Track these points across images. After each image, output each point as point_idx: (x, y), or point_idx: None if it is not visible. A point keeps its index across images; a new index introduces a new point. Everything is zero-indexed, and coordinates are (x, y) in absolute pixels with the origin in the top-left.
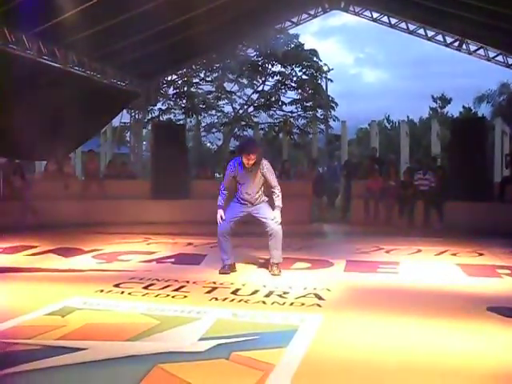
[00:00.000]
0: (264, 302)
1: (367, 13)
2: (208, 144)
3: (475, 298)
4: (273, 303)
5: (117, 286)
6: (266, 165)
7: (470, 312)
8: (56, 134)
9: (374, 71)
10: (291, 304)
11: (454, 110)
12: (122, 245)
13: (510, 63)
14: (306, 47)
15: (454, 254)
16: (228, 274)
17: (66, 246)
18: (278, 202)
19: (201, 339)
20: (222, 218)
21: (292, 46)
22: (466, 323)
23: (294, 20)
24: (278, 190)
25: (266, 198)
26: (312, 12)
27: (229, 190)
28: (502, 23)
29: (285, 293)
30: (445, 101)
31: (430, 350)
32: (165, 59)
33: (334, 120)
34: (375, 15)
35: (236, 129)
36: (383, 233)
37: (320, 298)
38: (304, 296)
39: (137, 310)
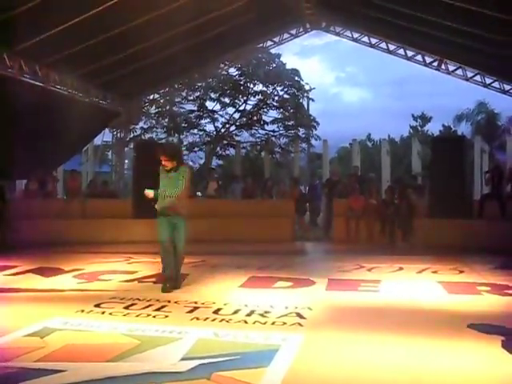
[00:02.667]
0: (246, 322)
1: (348, 33)
2: (190, 163)
3: (456, 315)
4: (254, 322)
5: (97, 305)
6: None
7: (452, 329)
8: (37, 152)
9: (354, 90)
10: (273, 323)
11: (434, 128)
12: (103, 264)
13: (487, 83)
14: (288, 66)
15: (435, 272)
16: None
17: (47, 266)
18: None
19: (182, 359)
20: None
21: (274, 65)
22: (448, 340)
23: (276, 39)
24: None
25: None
26: (293, 32)
27: None
28: (480, 44)
29: (266, 312)
30: (425, 119)
31: (411, 368)
32: (147, 78)
33: (315, 139)
34: (356, 35)
35: (218, 148)
36: (365, 251)
37: (301, 317)
38: (285, 315)
39: (118, 331)
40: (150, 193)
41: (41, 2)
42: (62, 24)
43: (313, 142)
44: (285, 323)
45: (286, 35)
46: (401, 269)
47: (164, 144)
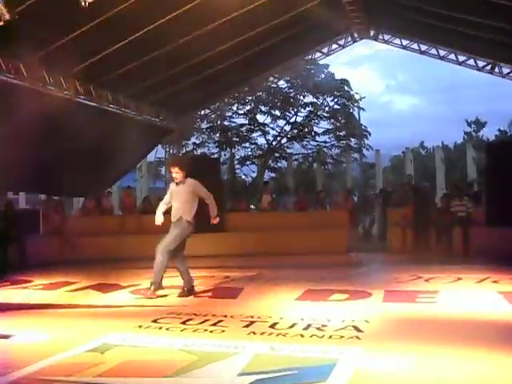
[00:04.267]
0: (302, 336)
1: (397, 40)
2: (243, 176)
3: None
4: (311, 336)
5: (155, 321)
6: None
7: None
8: (93, 170)
9: (406, 98)
10: (330, 337)
11: (489, 133)
12: None
13: None
14: (337, 77)
15: (496, 282)
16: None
17: (105, 282)
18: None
19: (239, 375)
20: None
21: (323, 76)
22: (510, 355)
23: (324, 50)
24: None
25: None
26: (342, 42)
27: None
28: None
29: (323, 325)
30: (479, 125)
31: (471, 381)
32: (198, 94)
33: (367, 149)
34: (405, 42)
35: (270, 160)
36: (421, 261)
37: (359, 330)
38: (342, 328)
39: (175, 346)
40: (159, 219)
41: (92, 26)
42: (113, 45)
43: (365, 151)
44: (342, 336)
45: (334, 46)
46: (459, 279)
47: (174, 157)
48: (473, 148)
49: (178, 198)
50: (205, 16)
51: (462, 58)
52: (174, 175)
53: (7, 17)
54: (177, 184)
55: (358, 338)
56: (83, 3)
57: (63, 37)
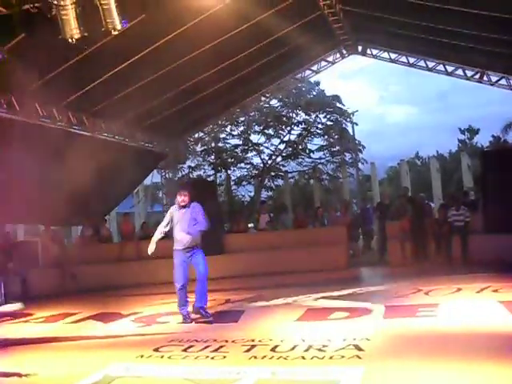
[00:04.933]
0: (303, 358)
1: (385, 54)
2: (240, 196)
3: None
4: (312, 358)
5: (156, 350)
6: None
7: None
8: (90, 198)
9: (399, 108)
10: (331, 357)
11: (483, 140)
12: (161, 306)
13: None
14: (329, 91)
15: (496, 291)
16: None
17: (106, 311)
18: None
19: None
20: None
21: (314, 93)
22: None
23: (314, 68)
24: None
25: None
26: (330, 59)
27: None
28: None
29: (324, 346)
30: (473, 132)
31: None
32: (190, 117)
33: (362, 163)
34: (393, 56)
35: (266, 179)
36: (421, 273)
37: (360, 349)
38: (343, 348)
39: (177, 375)
40: (152, 248)
41: (82, 58)
42: (103, 75)
43: (360, 165)
44: (343, 356)
45: (323, 63)
46: (459, 289)
47: (184, 182)
48: (468, 156)
49: (183, 222)
50: (193, 41)
51: (450, 69)
52: (182, 198)
53: None
54: (180, 207)
55: (359, 357)
56: (70, 40)
57: (53, 70)
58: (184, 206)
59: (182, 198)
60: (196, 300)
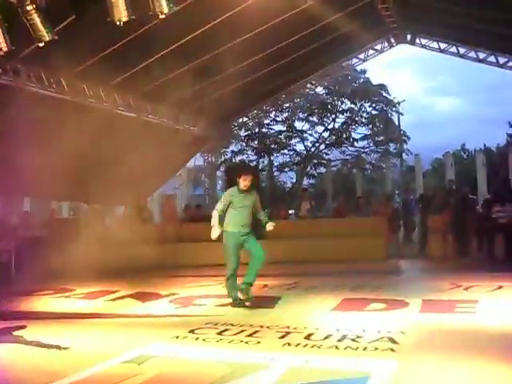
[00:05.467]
0: (337, 347)
1: (434, 44)
2: (282, 183)
3: None
4: (346, 348)
5: (192, 331)
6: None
7: None
8: (134, 179)
9: (446, 99)
10: (364, 349)
11: None
12: (198, 288)
13: None
14: (376, 79)
15: None
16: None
17: (144, 291)
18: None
19: None
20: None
21: (360, 81)
22: None
23: (361, 56)
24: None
25: None
26: (378, 47)
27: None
28: None
29: (358, 337)
30: None
31: None
32: (236, 102)
33: (406, 154)
34: (442, 46)
35: (309, 167)
36: (462, 268)
37: (394, 341)
38: (378, 340)
39: (211, 358)
40: (217, 232)
41: (129, 40)
42: (151, 57)
43: (404, 156)
44: (377, 348)
45: (370, 51)
46: (500, 287)
47: (245, 165)
48: None
49: (244, 208)
50: (239, 26)
51: (502, 60)
52: (246, 183)
53: (47, 38)
54: (242, 192)
55: (392, 350)
56: (118, 23)
57: (101, 51)
58: (245, 191)
59: (245, 183)
60: (248, 275)
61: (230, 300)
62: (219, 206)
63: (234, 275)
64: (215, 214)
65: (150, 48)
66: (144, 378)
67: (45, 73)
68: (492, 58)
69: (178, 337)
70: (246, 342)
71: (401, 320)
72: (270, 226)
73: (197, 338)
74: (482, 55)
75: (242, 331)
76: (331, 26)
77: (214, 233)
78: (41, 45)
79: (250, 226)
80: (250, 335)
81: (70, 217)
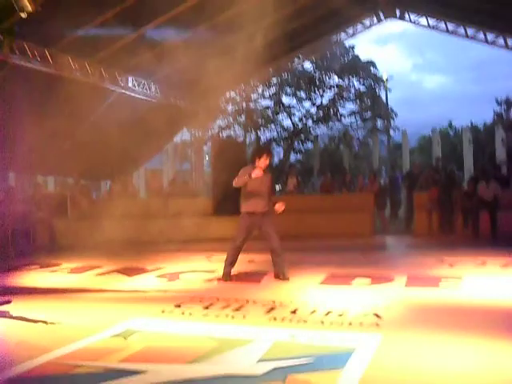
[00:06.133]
0: (322, 322)
1: (423, 20)
2: None
3: None
4: (331, 323)
5: (178, 306)
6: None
7: None
8: (120, 154)
9: (434, 76)
10: (349, 324)
11: None
12: (185, 263)
13: None
14: (364, 56)
15: None
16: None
17: (131, 266)
18: None
19: (259, 361)
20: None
21: (349, 57)
22: None
23: (350, 31)
24: None
25: None
26: (367, 23)
27: None
28: None
29: (344, 311)
30: (510, 104)
31: (494, 374)
32: (222, 76)
33: (394, 130)
34: (432, 22)
35: (296, 143)
36: (447, 244)
37: (379, 316)
38: (363, 315)
39: (197, 332)
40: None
41: (115, 13)
42: (137, 31)
43: (392, 132)
44: (362, 323)
45: (359, 26)
46: (484, 263)
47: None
48: (502, 129)
49: (263, 188)
50: (227, 2)
51: (491, 37)
52: (264, 163)
53: (30, 9)
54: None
55: (377, 325)
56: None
57: (86, 24)
58: (263, 171)
59: (267, 162)
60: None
61: (214, 274)
62: (241, 177)
63: (236, 250)
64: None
65: (136, 22)
66: (130, 352)
67: (28, 45)
68: (481, 35)
69: (164, 311)
70: (232, 317)
71: (386, 295)
72: (281, 207)
73: (183, 313)
74: (470, 32)
75: (228, 306)
76: (320, 1)
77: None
78: (23, 16)
79: (269, 207)
80: (236, 310)
81: (55, 192)
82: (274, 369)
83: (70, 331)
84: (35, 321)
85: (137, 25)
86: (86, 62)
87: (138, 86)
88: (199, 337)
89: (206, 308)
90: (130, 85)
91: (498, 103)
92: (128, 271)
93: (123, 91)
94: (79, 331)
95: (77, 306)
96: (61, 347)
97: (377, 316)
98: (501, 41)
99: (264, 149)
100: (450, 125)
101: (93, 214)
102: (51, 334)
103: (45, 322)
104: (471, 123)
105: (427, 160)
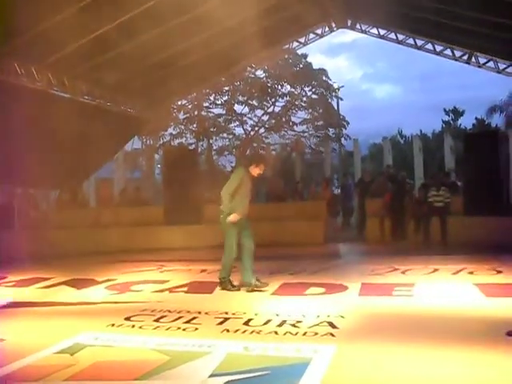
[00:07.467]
0: (276, 333)
1: (374, 30)
2: (221, 167)
3: (494, 321)
4: (285, 333)
5: (128, 319)
6: None
7: (490, 338)
8: (69, 162)
9: (384, 86)
10: (304, 334)
11: (466, 122)
12: (136, 274)
13: None
14: (315, 65)
15: (471, 273)
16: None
17: (80, 277)
18: None
19: (211, 376)
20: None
21: (301, 66)
22: (486, 350)
23: (302, 40)
24: None
25: None
26: (319, 32)
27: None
28: (510, 34)
29: (298, 322)
30: (457, 113)
31: (449, 382)
32: (174, 84)
33: (345, 139)
34: (382, 32)
35: (248, 150)
36: (399, 251)
37: (334, 326)
38: (317, 325)
39: (147, 346)
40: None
41: (64, 17)
42: (87, 36)
43: (343, 141)
44: (316, 333)
45: (311, 35)
46: (436, 270)
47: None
48: (451, 137)
49: (249, 193)
50: (181, 8)
51: (439, 48)
52: (258, 172)
53: None
54: (252, 177)
55: (332, 335)
56: None
57: (34, 28)
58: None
59: (261, 172)
60: (247, 275)
61: (166, 285)
62: (231, 186)
63: (233, 260)
64: (227, 195)
65: (86, 26)
66: (79, 368)
67: None
68: (429, 46)
69: (113, 324)
70: (184, 329)
71: (340, 304)
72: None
73: (133, 326)
74: (419, 42)
75: (180, 318)
76: (272, 9)
77: (233, 217)
78: None
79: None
80: (187, 322)
81: (1, 201)
82: (228, 382)
83: (14, 348)
84: None
85: (85, 31)
86: (32, 67)
87: (88, 93)
88: (150, 351)
89: (157, 320)
90: (79, 91)
91: (446, 112)
92: (76, 283)
93: (72, 97)
94: (25, 348)
95: (22, 322)
96: (5, 365)
97: (331, 326)
98: (448, 52)
99: (264, 159)
100: (400, 133)
101: (41, 225)
102: None
103: None
104: (421, 131)
105: (378, 168)
